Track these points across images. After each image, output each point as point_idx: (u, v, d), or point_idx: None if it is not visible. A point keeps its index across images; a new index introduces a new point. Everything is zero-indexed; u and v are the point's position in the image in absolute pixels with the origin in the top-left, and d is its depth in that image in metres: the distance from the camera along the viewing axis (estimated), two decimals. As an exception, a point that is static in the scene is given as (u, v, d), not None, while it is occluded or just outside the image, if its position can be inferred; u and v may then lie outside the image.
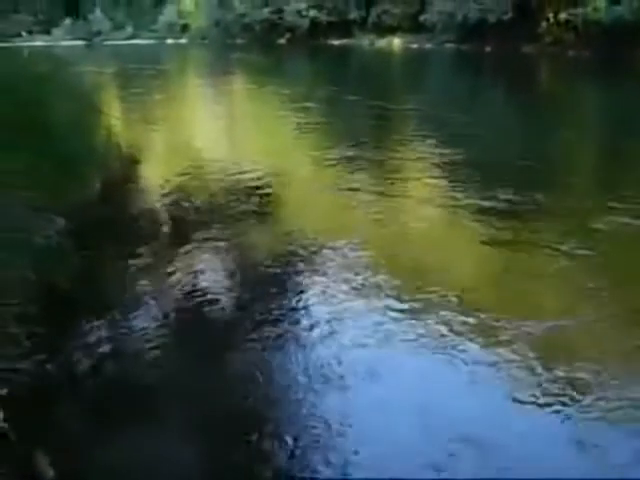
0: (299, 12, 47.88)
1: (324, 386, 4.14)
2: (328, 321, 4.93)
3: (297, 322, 5.00)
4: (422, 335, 4.71)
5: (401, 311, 5.07)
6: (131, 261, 6.27)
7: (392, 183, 8.99)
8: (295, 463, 3.52)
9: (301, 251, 6.40)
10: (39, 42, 51.82)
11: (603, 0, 31.34)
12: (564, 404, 3.91)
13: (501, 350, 4.47)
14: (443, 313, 4.98)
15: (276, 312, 5.16)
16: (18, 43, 49.95)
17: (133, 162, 10.36)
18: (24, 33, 54.44)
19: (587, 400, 3.94)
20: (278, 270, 6.05)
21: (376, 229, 7.28)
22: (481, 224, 7.09)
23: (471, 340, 4.61)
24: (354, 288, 5.52)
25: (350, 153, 10.78)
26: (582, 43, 31.88)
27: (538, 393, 4.01)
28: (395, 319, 4.96)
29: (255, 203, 8.21)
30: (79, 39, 53.12)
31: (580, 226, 6.94)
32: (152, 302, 5.51)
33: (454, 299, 5.19)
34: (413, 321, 4.91)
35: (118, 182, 9.39)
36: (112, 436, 3.73)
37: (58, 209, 7.40)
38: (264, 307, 5.25)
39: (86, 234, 6.88)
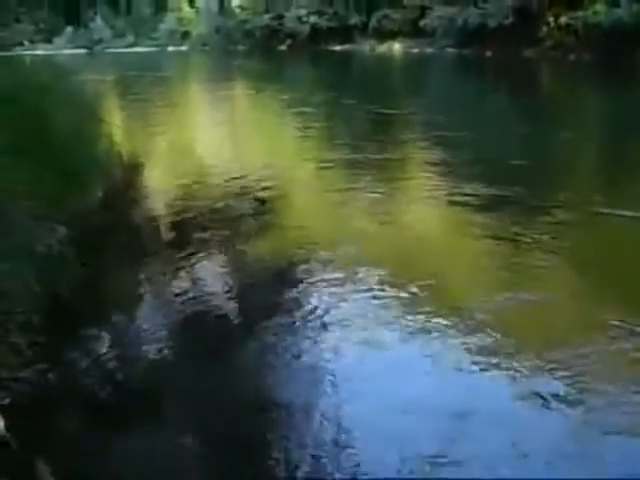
0: (299, 18, 48.02)
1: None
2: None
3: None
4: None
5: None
6: (133, 269, 6.27)
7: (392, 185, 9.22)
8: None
9: (305, 255, 6.44)
10: (41, 51, 51.93)
11: (603, 3, 31.42)
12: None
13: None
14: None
15: (282, 320, 5.17)
16: (20, 52, 50.08)
17: (135, 169, 10.37)
18: (26, 42, 54.59)
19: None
20: (282, 274, 6.08)
21: (376, 229, 7.36)
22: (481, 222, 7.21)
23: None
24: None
25: (351, 156, 10.98)
26: (583, 46, 31.93)
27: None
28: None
29: (256, 208, 8.25)
30: (80, 47, 53.28)
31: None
32: (154, 311, 5.51)
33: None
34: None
35: (120, 190, 9.39)
36: (114, 445, 3.72)
37: (59, 217, 7.40)
38: (267, 315, 5.25)
39: (88, 242, 6.88)
